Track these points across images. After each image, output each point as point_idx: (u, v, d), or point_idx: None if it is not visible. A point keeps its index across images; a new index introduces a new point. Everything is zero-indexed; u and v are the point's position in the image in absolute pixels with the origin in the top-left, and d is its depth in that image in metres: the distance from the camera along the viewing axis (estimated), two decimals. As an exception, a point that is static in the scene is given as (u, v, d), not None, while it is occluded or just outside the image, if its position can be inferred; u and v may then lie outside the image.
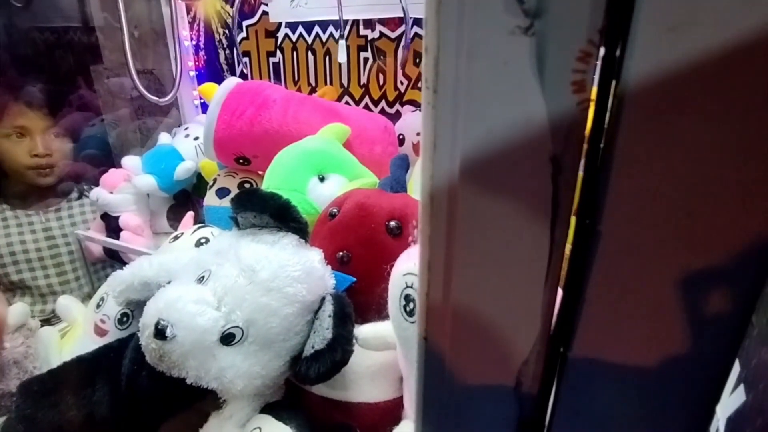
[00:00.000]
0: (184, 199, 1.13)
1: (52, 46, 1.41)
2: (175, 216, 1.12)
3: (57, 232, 1.07)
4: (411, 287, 0.37)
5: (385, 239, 0.53)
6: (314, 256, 0.50)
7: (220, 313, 0.45)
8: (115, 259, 1.07)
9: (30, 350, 0.61)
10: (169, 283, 0.55)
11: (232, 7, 1.15)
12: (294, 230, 0.50)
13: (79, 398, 0.56)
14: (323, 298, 0.49)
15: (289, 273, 0.46)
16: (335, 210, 0.58)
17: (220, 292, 0.46)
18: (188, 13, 1.23)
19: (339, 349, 0.45)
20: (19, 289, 1.04)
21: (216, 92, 0.78)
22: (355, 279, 0.53)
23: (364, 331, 0.47)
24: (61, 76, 1.42)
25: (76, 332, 0.69)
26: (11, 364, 0.58)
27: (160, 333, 0.42)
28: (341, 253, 0.54)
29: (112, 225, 1.06)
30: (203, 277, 0.49)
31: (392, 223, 0.54)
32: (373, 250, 0.54)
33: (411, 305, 0.37)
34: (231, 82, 0.81)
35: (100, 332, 0.66)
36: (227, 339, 0.45)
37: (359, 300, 0.52)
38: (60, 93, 1.36)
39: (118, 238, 1.04)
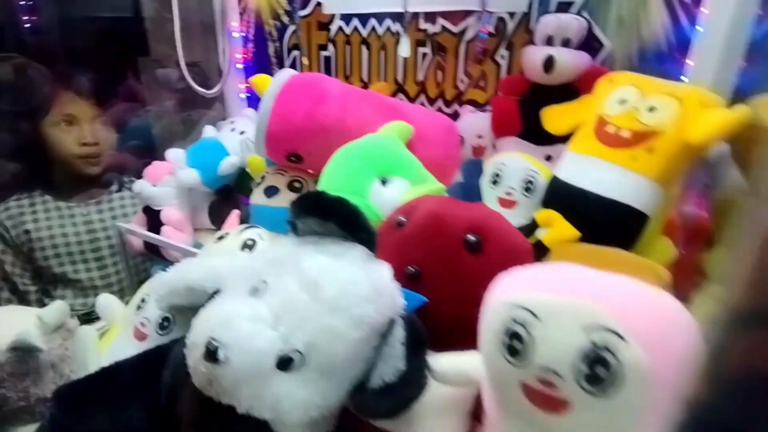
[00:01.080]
0: (226, 195, 1.09)
1: (101, 35, 1.41)
2: (216, 212, 1.08)
3: (98, 225, 1.05)
4: (519, 323, 0.30)
5: (462, 255, 0.47)
6: (384, 272, 0.44)
7: (277, 333, 0.39)
8: (155, 253, 1.03)
9: (68, 352, 0.57)
10: (216, 292, 0.50)
11: (285, -3, 1.10)
12: (363, 241, 0.44)
13: (116, 410, 0.52)
14: (392, 321, 0.43)
15: (358, 291, 0.40)
16: (403, 219, 0.51)
17: (278, 309, 0.40)
18: (239, 4, 1.19)
19: (414, 384, 0.38)
20: (61, 283, 1.02)
21: (270, 84, 0.73)
22: (426, 299, 0.46)
23: (441, 363, 0.40)
24: (108, 66, 1.42)
25: (114, 333, 0.66)
26: (48, 367, 0.54)
27: (211, 355, 0.37)
28: (411, 269, 0.48)
29: (153, 219, 1.03)
30: (257, 289, 0.43)
31: (471, 237, 0.47)
32: (447, 267, 0.47)
33: (517, 344, 0.30)
34: (286, 73, 0.76)
35: (140, 336, 0.62)
36: (284, 364, 0.39)
37: (429, 324, 0.45)
38: (107, 83, 1.35)
39: (158, 232, 1.01)
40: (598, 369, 0.28)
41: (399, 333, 0.41)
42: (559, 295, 0.29)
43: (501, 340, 0.31)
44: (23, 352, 0.52)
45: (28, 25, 1.43)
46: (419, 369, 0.39)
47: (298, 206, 0.45)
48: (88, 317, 1.00)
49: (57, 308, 0.56)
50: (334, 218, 0.43)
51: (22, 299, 1.02)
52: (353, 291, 0.40)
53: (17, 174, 1.16)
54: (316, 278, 0.40)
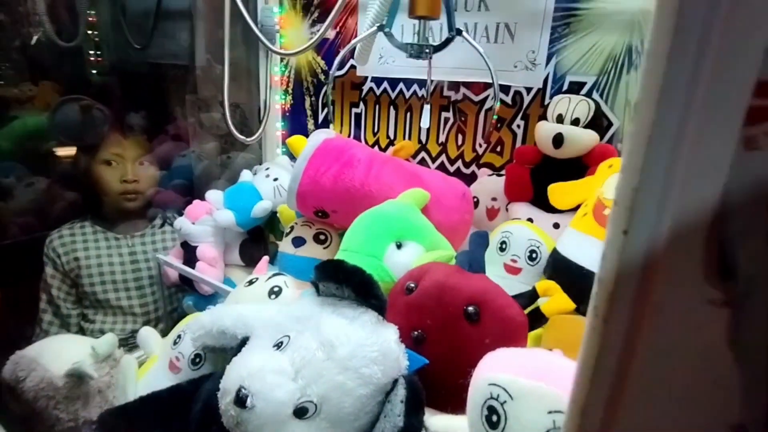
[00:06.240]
0: (257, 236, 1.18)
1: (159, 80, 1.56)
2: (246, 250, 1.16)
3: (140, 257, 1.15)
4: (496, 399, 0.36)
5: (462, 324, 0.53)
6: (391, 336, 0.50)
7: (296, 385, 0.46)
8: (188, 286, 1.12)
9: (113, 380, 0.65)
10: (246, 339, 0.57)
11: (323, 59, 1.22)
12: (374, 307, 0.51)
13: (151, 437, 0.59)
14: (396, 380, 0.49)
15: (367, 353, 0.47)
16: (413, 285, 0.58)
17: (298, 363, 0.47)
18: (282, 61, 1.31)
19: (409, 440, 0.44)
20: (102, 308, 1.11)
21: (305, 147, 0.82)
22: (427, 361, 0.52)
23: (435, 423, 0.46)
24: (161, 107, 1.56)
25: (151, 364, 0.73)
26: (96, 393, 0.62)
27: (240, 401, 0.44)
28: (416, 333, 0.54)
29: (189, 254, 1.12)
30: (281, 342, 0.50)
31: (471, 309, 0.53)
32: (448, 333, 0.53)
33: (494, 417, 0.36)
34: (320, 136, 0.85)
35: (174, 368, 0.69)
36: (300, 412, 0.46)
37: (429, 384, 0.51)
38: (157, 123, 1.49)
39: (193, 266, 1.10)
40: (559, 448, 0.33)
41: (401, 392, 0.47)
42: (532, 380, 0.35)
43: (481, 413, 0.37)
44: (77, 379, 0.60)
45: (95, 70, 1.59)
46: (415, 427, 0.45)
47: (320, 271, 0.53)
48: (125, 342, 1.09)
49: (108, 340, 0.64)
50: (350, 285, 0.50)
51: (63, 323, 1.11)
52: (363, 353, 0.47)
53: (73, 203, 1.29)
54: (332, 339, 0.47)
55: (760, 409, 0.12)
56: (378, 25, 0.86)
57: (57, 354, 0.61)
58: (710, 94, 0.11)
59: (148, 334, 0.75)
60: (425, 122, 0.86)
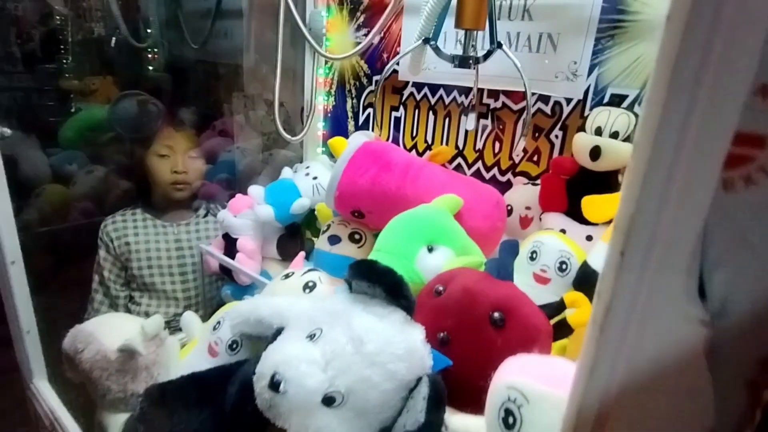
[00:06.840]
0: (295, 231, 1.22)
1: (210, 77, 1.64)
2: (283, 245, 1.21)
3: (185, 244, 1.22)
4: (513, 402, 0.38)
5: (486, 329, 0.54)
6: (417, 335, 0.53)
7: (326, 375, 0.49)
8: (227, 275, 1.18)
9: (158, 358, 0.70)
10: (281, 329, 0.61)
11: (366, 63, 1.25)
12: (403, 307, 0.53)
13: (189, 414, 0.63)
14: (420, 378, 0.51)
15: (394, 350, 0.49)
16: (441, 288, 0.60)
17: (329, 355, 0.50)
18: (326, 63, 1.36)
19: (429, 435, 0.46)
20: (147, 292, 1.19)
21: (345, 149, 0.85)
22: (451, 363, 0.54)
23: (455, 422, 0.48)
24: (210, 104, 1.64)
25: (192, 346, 0.79)
26: (143, 368, 0.67)
27: (274, 386, 0.47)
28: (442, 334, 0.56)
29: (230, 245, 1.18)
30: (314, 334, 0.53)
31: (496, 314, 0.54)
32: (473, 337, 0.55)
33: (511, 420, 0.38)
34: (359, 139, 0.88)
35: (213, 352, 0.74)
36: (328, 401, 0.49)
37: (451, 384, 0.53)
38: (207, 118, 1.57)
39: (233, 257, 1.15)
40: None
41: (424, 390, 0.50)
42: (549, 386, 0.37)
43: (498, 415, 0.39)
44: (128, 354, 0.66)
45: (150, 66, 1.69)
46: (436, 423, 0.47)
47: (354, 270, 0.56)
48: (168, 325, 1.16)
49: (156, 321, 0.69)
50: (381, 285, 0.53)
51: (112, 303, 1.19)
52: (390, 350, 0.49)
53: (128, 191, 1.38)
54: (362, 335, 0.50)
55: (728, 415, 0.14)
56: (424, 38, 0.89)
57: (111, 330, 0.67)
58: (696, 140, 0.12)
59: (190, 319, 0.81)
60: (470, 125, 0.88)
